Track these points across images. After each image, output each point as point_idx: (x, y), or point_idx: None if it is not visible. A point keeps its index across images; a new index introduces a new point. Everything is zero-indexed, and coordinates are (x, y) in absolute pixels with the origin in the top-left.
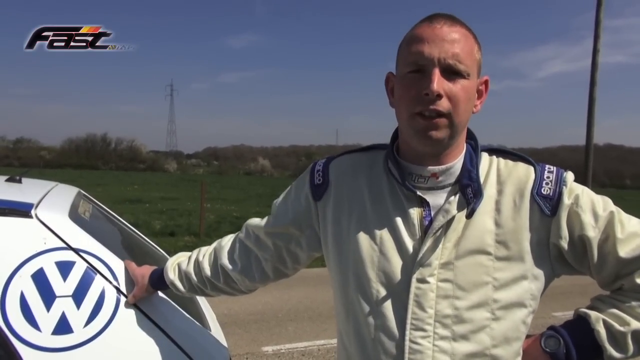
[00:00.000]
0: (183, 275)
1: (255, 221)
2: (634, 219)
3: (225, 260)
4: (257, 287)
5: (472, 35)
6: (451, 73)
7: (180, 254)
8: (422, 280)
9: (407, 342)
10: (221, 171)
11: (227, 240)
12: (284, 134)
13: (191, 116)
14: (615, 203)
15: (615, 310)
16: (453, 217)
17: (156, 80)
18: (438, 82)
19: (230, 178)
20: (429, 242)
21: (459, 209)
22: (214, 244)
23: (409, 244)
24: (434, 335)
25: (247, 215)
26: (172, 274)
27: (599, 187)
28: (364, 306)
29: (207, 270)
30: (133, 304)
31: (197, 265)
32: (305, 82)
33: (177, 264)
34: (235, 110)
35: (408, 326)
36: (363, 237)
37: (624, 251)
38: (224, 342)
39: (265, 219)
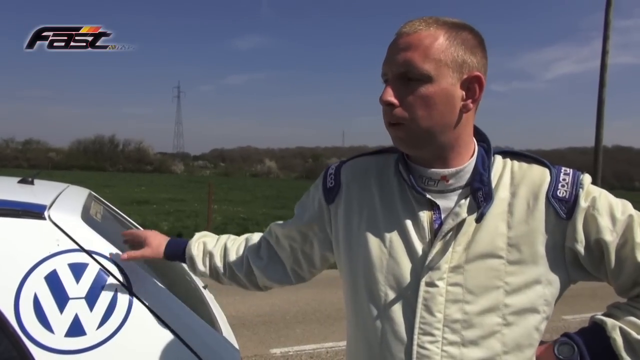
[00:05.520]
0: (206, 254)
1: (278, 222)
2: None
3: (251, 253)
4: (274, 286)
5: (445, 34)
6: (407, 80)
7: (205, 232)
8: (430, 284)
9: (415, 347)
10: (228, 173)
11: (257, 236)
12: (291, 135)
13: (198, 118)
14: None
15: (632, 318)
16: (463, 221)
17: (163, 82)
18: (387, 93)
19: (237, 179)
20: (438, 246)
21: (469, 212)
22: (245, 235)
23: (419, 247)
24: (443, 340)
25: (254, 216)
26: (194, 249)
27: (607, 190)
28: (373, 309)
29: (233, 256)
30: (146, 307)
31: (224, 249)
32: (311, 84)
33: (202, 241)
34: (242, 112)
35: (416, 330)
36: (373, 240)
37: None
38: (236, 345)
39: (287, 221)
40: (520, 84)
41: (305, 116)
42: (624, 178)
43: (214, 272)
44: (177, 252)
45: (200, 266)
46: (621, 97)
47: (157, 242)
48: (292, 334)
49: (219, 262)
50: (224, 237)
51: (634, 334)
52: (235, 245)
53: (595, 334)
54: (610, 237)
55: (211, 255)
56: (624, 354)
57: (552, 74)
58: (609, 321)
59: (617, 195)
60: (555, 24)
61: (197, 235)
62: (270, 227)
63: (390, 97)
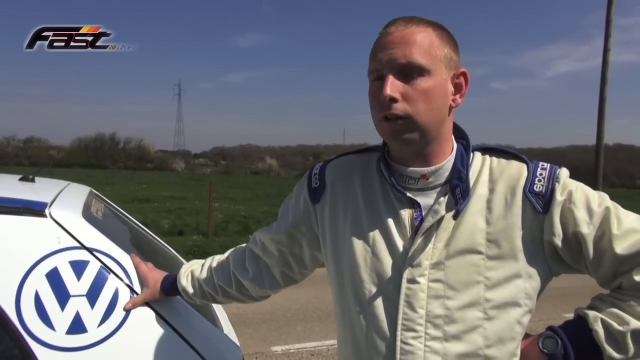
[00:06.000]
0: (195, 282)
1: (262, 229)
2: (632, 215)
3: (237, 268)
4: (268, 294)
5: (434, 32)
6: (407, 74)
7: (193, 261)
8: (412, 281)
9: (398, 343)
10: (229, 171)
11: (240, 249)
12: (292, 133)
13: (199, 116)
14: (626, 203)
15: (614, 310)
16: (442, 217)
17: (164, 80)
18: (390, 87)
19: (237, 177)
20: (418, 242)
21: (448, 209)
22: (228, 252)
23: (400, 244)
24: (425, 335)
25: (254, 214)
26: (184, 281)
27: (608, 187)
28: (357, 307)
29: (220, 277)
30: (147, 304)
31: (210, 271)
32: (312, 82)
33: (190, 271)
34: (243, 109)
35: (399, 327)
36: (357, 239)
37: (621, 247)
38: (237, 342)
39: (270, 226)
40: (521, 81)
41: (306, 114)
42: (625, 176)
43: (208, 296)
44: (171, 288)
45: (193, 295)
46: (622, 95)
47: (153, 282)
48: (293, 332)
49: (209, 287)
50: (209, 259)
51: (615, 325)
52: (220, 264)
53: (578, 326)
54: (587, 229)
55: (200, 282)
56: (605, 345)
57: (553, 71)
58: (591, 313)
59: (618, 194)
60: (557, 22)
61: (185, 266)
62: (254, 235)
63: (394, 91)
